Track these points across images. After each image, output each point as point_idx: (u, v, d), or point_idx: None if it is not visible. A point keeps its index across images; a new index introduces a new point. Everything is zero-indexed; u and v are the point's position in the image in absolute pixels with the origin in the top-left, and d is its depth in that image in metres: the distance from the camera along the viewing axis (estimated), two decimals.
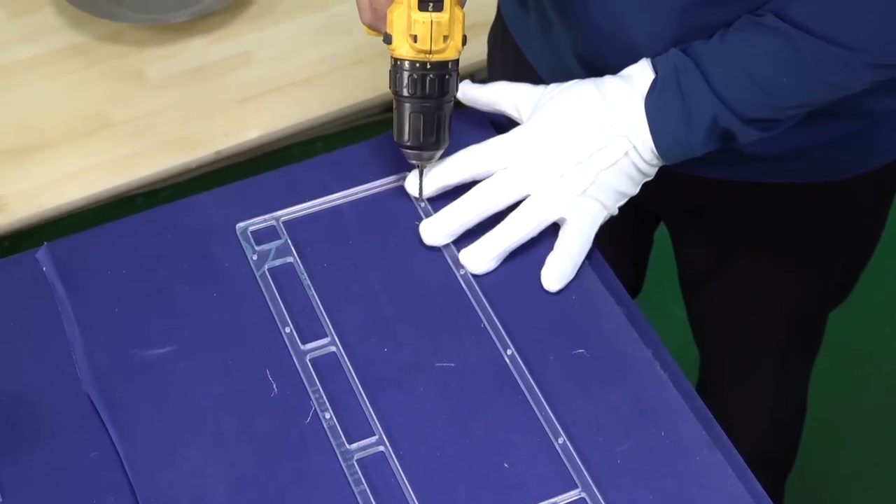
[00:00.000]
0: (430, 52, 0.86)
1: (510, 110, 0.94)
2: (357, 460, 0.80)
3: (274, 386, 0.83)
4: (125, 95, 1.47)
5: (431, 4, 0.85)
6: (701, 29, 0.88)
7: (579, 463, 0.79)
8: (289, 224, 0.92)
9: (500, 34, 1.16)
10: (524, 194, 0.89)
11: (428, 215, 0.91)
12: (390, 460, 0.80)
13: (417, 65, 0.87)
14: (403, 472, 0.79)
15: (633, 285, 1.39)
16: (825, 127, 0.96)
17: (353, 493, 0.78)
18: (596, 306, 0.88)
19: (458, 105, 0.92)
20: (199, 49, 1.52)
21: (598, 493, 0.78)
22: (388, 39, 0.86)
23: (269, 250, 0.91)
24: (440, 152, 0.90)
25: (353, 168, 0.95)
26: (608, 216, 0.91)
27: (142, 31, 1.53)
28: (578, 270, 0.89)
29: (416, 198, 0.93)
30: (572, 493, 0.78)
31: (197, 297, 0.88)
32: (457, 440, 0.81)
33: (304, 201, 0.93)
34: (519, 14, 1.09)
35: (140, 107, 1.46)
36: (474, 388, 0.83)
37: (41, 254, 0.91)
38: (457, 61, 0.88)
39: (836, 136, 0.98)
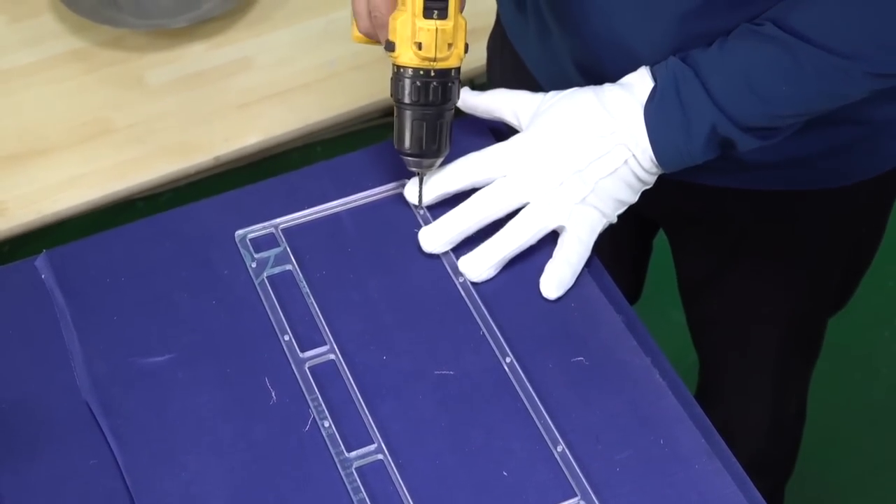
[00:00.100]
0: (435, 59, 0.86)
1: (509, 118, 0.94)
2: (356, 468, 0.80)
3: (273, 394, 0.83)
4: (125, 101, 1.47)
5: (436, 12, 0.84)
6: (700, 37, 0.88)
7: (578, 471, 0.79)
8: (288, 231, 0.92)
9: (499, 40, 1.16)
10: (523, 202, 0.89)
11: (427, 223, 0.91)
12: (389, 468, 0.80)
13: (421, 72, 0.86)
14: (402, 480, 0.79)
15: (633, 292, 1.39)
16: (824, 135, 0.96)
17: (353, 502, 0.78)
18: (595, 314, 0.88)
19: (458, 112, 0.92)
20: (198, 55, 1.52)
21: (596, 502, 0.78)
22: (390, 47, 0.86)
23: (268, 258, 0.91)
24: (441, 160, 0.90)
25: (351, 175, 0.96)
26: (607, 224, 0.91)
27: (142, 37, 1.53)
28: (577, 278, 0.89)
29: (415, 205, 0.93)
30: (571, 501, 0.78)
31: (196, 305, 0.88)
32: (456, 448, 0.81)
33: (303, 209, 0.93)
34: (518, 20, 1.09)
35: (140, 112, 1.46)
36: (473, 395, 0.83)
37: (40, 261, 0.91)
38: (459, 69, 0.88)
39: (836, 144, 0.98)
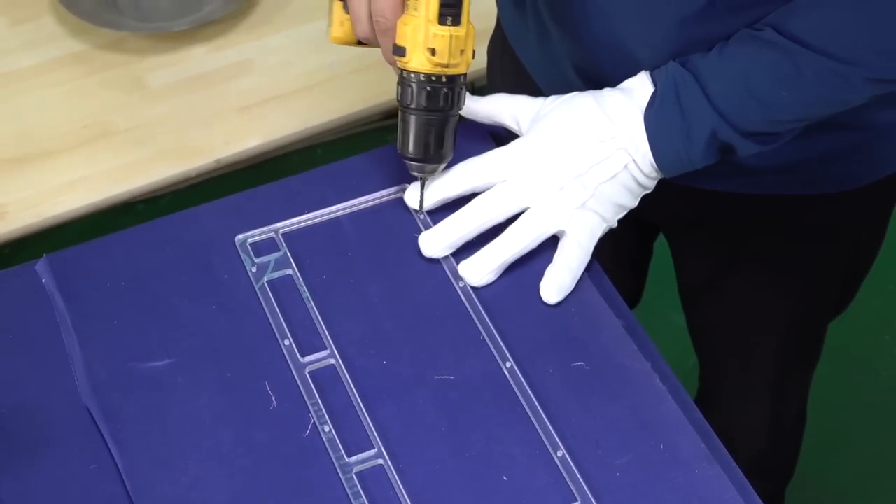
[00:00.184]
0: (447, 65, 0.86)
1: (509, 122, 0.94)
2: (356, 473, 0.80)
3: (273, 399, 0.83)
4: (125, 104, 1.47)
5: (450, 18, 0.84)
6: (700, 42, 0.88)
7: (578, 476, 0.79)
8: (288, 236, 0.92)
9: (499, 44, 1.16)
10: (523, 207, 0.89)
11: (427, 227, 0.91)
12: (389, 473, 0.80)
13: (433, 78, 0.86)
14: (402, 485, 0.79)
15: (633, 296, 1.39)
16: (824, 140, 0.96)
17: None
18: (595, 319, 0.88)
19: (458, 117, 0.92)
20: (199, 57, 1.52)
21: None
22: (399, 52, 0.86)
23: (269, 262, 0.91)
24: (444, 165, 0.90)
25: (352, 180, 0.96)
26: (607, 229, 0.91)
27: (142, 40, 1.53)
28: (578, 283, 0.89)
29: (415, 210, 0.93)
30: None
31: (196, 310, 0.88)
32: (456, 453, 0.81)
33: (304, 213, 0.93)
34: (518, 24, 1.09)
35: (140, 115, 1.46)
36: (473, 400, 0.83)
37: (40, 266, 0.91)
38: (465, 75, 0.88)
39: (835, 149, 0.98)
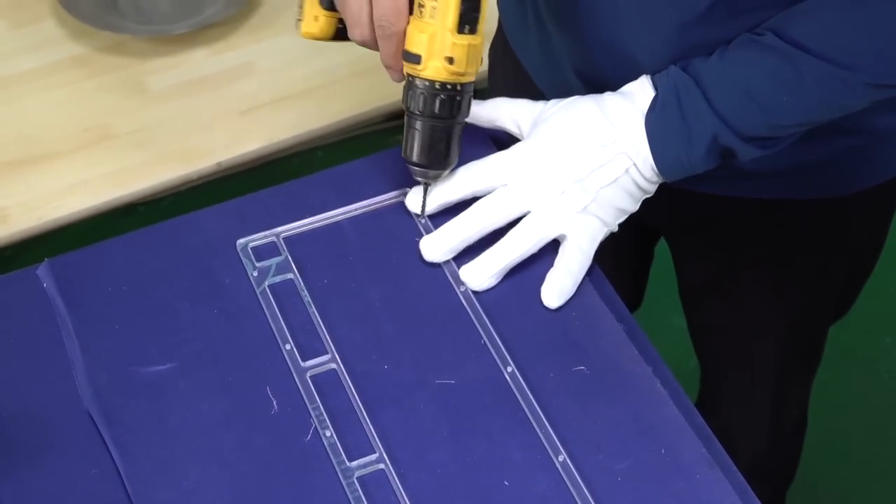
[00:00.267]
0: (463, 74, 0.85)
1: (510, 126, 0.94)
2: (357, 478, 0.80)
3: (274, 403, 0.83)
4: (126, 107, 1.47)
5: (468, 27, 0.84)
6: (700, 46, 0.88)
7: (579, 481, 0.79)
8: (289, 240, 0.92)
9: (500, 47, 1.16)
10: (524, 211, 0.89)
11: (428, 231, 0.91)
12: (391, 478, 0.80)
13: (448, 86, 0.85)
14: (404, 489, 0.79)
15: (634, 300, 1.39)
16: (825, 144, 0.96)
17: None
18: (596, 323, 0.88)
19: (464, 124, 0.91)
20: (200, 60, 1.52)
21: None
22: (414, 59, 0.85)
23: (270, 267, 0.91)
24: (448, 171, 0.90)
25: (353, 184, 0.96)
26: (608, 233, 0.91)
27: (143, 43, 1.53)
28: (579, 287, 0.89)
29: (416, 214, 0.93)
30: None
31: (197, 314, 0.88)
32: (457, 457, 0.81)
33: (305, 217, 0.93)
34: (519, 28, 1.09)
35: (141, 118, 1.46)
36: (474, 405, 0.83)
37: (42, 270, 0.91)
38: (473, 82, 0.88)
39: (836, 154, 0.98)
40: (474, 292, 0.89)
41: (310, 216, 0.93)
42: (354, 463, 0.80)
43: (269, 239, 0.92)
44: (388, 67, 0.87)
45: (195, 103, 1.48)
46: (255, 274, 0.90)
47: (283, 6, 1.58)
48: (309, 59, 1.52)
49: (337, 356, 0.86)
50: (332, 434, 0.82)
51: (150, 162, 1.42)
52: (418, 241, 0.91)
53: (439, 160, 0.89)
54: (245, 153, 1.44)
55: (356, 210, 0.94)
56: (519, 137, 0.93)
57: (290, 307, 0.88)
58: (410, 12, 0.84)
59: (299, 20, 0.94)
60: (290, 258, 0.91)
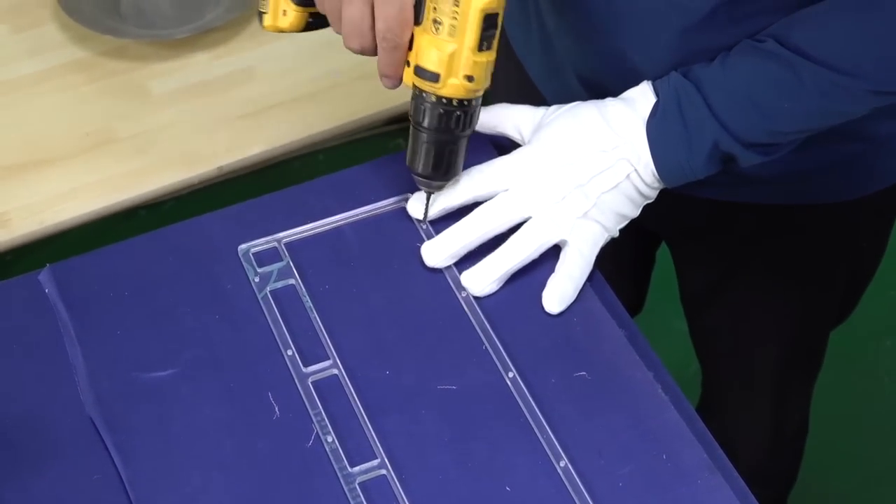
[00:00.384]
0: (480, 89, 0.85)
1: (512, 132, 0.94)
2: (359, 483, 0.80)
3: (276, 409, 0.84)
4: (128, 111, 1.47)
5: (485, 44, 0.83)
6: (701, 52, 0.88)
7: (581, 486, 0.79)
8: (291, 246, 0.92)
9: (503, 51, 1.16)
10: (525, 216, 0.89)
11: (429, 237, 0.92)
12: (392, 483, 0.80)
13: (465, 102, 0.85)
14: (405, 495, 0.79)
15: (635, 305, 1.40)
16: (826, 150, 0.96)
17: None
18: (597, 328, 0.88)
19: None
20: (201, 65, 1.52)
21: None
22: (432, 77, 0.83)
23: (271, 272, 0.91)
24: (451, 181, 0.90)
25: (354, 189, 0.96)
26: (609, 238, 0.91)
27: (145, 47, 1.53)
28: (580, 292, 0.89)
29: (417, 220, 0.93)
30: None
31: (199, 320, 0.88)
32: (458, 463, 0.81)
33: (306, 223, 0.93)
34: (522, 33, 1.09)
35: (143, 122, 1.46)
36: (476, 410, 0.83)
37: (44, 275, 0.91)
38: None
39: (837, 160, 0.98)
40: (476, 298, 0.89)
41: (311, 222, 0.94)
42: (356, 468, 0.80)
43: (271, 244, 0.92)
44: (385, 76, 0.86)
45: (196, 107, 1.48)
46: (257, 279, 0.90)
47: None
48: (310, 63, 1.52)
49: (338, 362, 0.86)
50: (333, 439, 0.82)
51: (152, 166, 1.42)
52: (419, 247, 0.91)
53: (446, 172, 0.89)
54: (246, 157, 1.44)
55: (357, 215, 0.94)
56: (520, 143, 0.93)
57: (292, 313, 0.88)
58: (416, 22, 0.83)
59: (263, 12, 0.91)
60: (291, 264, 0.91)
